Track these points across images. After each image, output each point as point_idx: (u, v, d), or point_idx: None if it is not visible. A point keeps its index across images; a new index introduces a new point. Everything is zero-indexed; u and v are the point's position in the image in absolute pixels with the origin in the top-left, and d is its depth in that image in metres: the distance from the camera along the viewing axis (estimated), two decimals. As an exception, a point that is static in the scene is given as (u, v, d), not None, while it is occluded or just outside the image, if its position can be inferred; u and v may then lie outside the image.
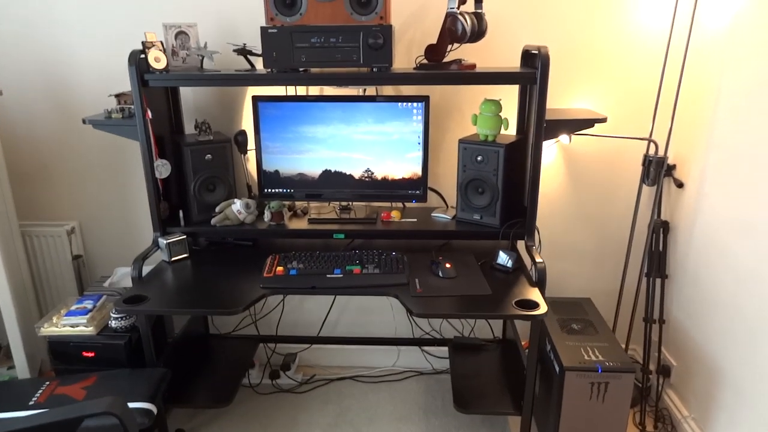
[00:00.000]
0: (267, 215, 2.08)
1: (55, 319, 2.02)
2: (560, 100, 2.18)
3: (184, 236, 2.03)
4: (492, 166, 1.94)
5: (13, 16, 2.17)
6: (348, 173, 2.07)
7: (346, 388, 2.46)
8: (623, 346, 2.35)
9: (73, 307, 2.05)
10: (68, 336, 1.98)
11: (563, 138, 2.19)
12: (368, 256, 1.93)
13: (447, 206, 2.24)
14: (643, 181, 2.15)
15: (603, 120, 1.91)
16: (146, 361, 1.96)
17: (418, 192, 2.07)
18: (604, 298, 2.41)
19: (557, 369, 1.88)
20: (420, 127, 2.00)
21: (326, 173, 2.07)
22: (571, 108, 2.17)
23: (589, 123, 1.92)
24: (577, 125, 1.94)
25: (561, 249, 2.39)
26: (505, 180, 1.95)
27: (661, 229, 2.18)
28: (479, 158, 1.96)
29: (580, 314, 2.16)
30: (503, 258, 1.93)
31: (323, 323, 2.54)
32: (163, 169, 2.00)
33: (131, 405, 1.73)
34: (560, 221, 2.35)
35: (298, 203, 2.23)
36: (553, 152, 2.25)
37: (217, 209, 2.06)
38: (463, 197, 2.05)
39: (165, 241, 1.98)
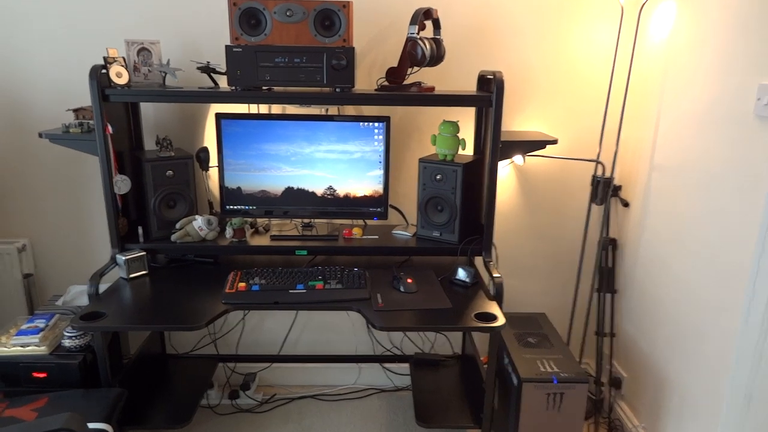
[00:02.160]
0: (229, 232, 2.08)
1: (3, 339, 1.94)
2: (514, 122, 2.29)
3: (144, 253, 2.00)
4: (450, 185, 2.01)
5: (-32, 28, 2.13)
6: (310, 190, 2.10)
7: (308, 406, 2.45)
8: (577, 359, 2.44)
9: (24, 327, 1.98)
10: (18, 356, 1.91)
11: (517, 158, 2.29)
12: (330, 272, 1.95)
13: (407, 223, 2.29)
14: (592, 200, 2.26)
15: (554, 142, 2.02)
16: (102, 381, 1.91)
17: (379, 209, 2.12)
18: (558, 312, 2.50)
19: (515, 381, 1.94)
20: (381, 147, 2.05)
21: (289, 190, 2.10)
22: (525, 130, 2.28)
23: (540, 144, 2.02)
24: (529, 146, 2.04)
25: (516, 266, 2.47)
26: (463, 198, 2.02)
27: (609, 246, 2.30)
28: (438, 177, 2.03)
29: (536, 328, 2.23)
30: (462, 273, 1.99)
31: (284, 341, 2.53)
32: (122, 184, 1.98)
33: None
34: (515, 239, 2.44)
35: (260, 220, 2.24)
36: (507, 172, 2.35)
37: (178, 225, 2.05)
38: (423, 215, 2.10)
39: (123, 258, 1.95)
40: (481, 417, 1.97)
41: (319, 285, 1.86)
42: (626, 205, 2.27)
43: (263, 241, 2.11)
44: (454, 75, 2.22)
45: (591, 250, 2.39)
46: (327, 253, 2.14)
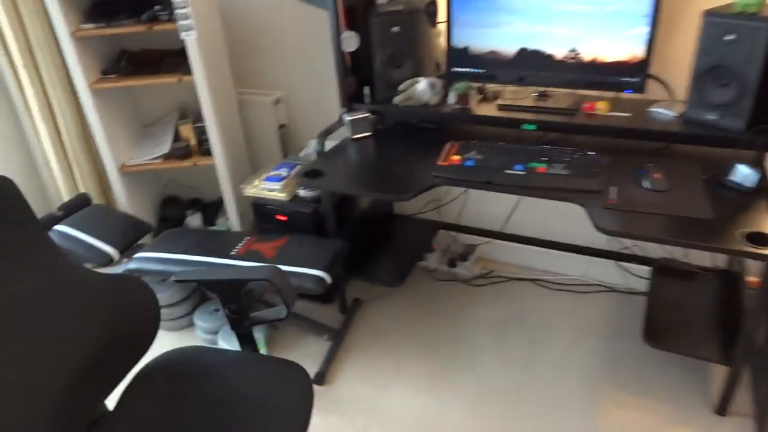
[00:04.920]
0: (452, 97, 1.91)
1: (256, 182, 2.21)
2: None
3: (368, 114, 1.98)
4: (746, 50, 1.44)
5: None
6: (548, 53, 1.74)
7: (524, 289, 2.32)
8: None
9: (271, 173, 2.21)
10: (265, 199, 2.16)
11: None
12: (558, 154, 1.66)
13: (673, 100, 1.78)
14: None
15: None
16: (328, 233, 2.06)
17: (635, 79, 1.67)
18: None
19: (791, 323, 1.46)
20: (651, -6, 1.55)
21: (522, 52, 1.78)
22: None
23: None
24: None
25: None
26: (763, 70, 1.43)
27: None
28: (730, 38, 1.46)
29: None
30: (742, 173, 1.49)
31: (508, 218, 2.37)
32: (350, 41, 1.92)
33: (308, 271, 1.85)
34: None
35: (489, 86, 2.00)
36: None
37: (401, 87, 1.95)
38: (697, 89, 1.59)
39: (349, 118, 1.96)
40: (732, 353, 1.58)
41: (541, 168, 1.60)
42: None
43: (489, 110, 1.88)
44: None
45: None
46: (560, 130, 1.81)
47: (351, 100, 2.03)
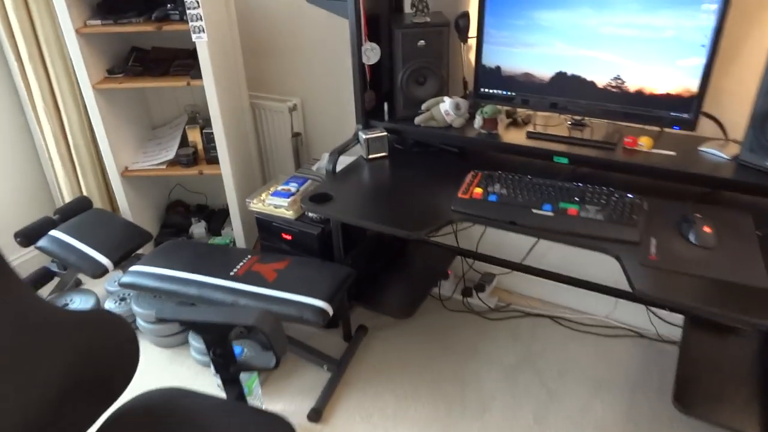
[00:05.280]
0: (478, 121, 1.74)
1: (263, 196, 2.08)
2: None
3: (385, 133, 1.83)
4: (822, 92, 1.25)
5: None
6: (589, 79, 1.57)
7: (543, 327, 2.15)
8: None
9: (280, 188, 2.08)
10: (272, 216, 2.03)
11: None
12: (592, 194, 1.48)
13: (726, 140, 1.59)
14: None
15: None
16: (335, 258, 1.92)
17: (685, 115, 1.49)
18: None
19: None
20: (710, 21, 1.36)
21: (560, 76, 1.61)
22: None
23: None
24: None
25: None
26: (840, 116, 1.25)
27: None
28: (802, 77, 1.28)
29: None
30: (802, 230, 1.31)
31: (530, 250, 2.20)
32: (371, 53, 1.77)
33: (309, 300, 1.72)
34: None
35: (520, 110, 1.83)
36: None
37: (424, 106, 1.80)
38: (756, 131, 1.41)
39: (364, 136, 1.82)
40: (775, 430, 1.40)
41: (572, 210, 1.43)
42: None
43: (517, 137, 1.72)
44: None
45: None
46: (596, 166, 1.64)
47: (369, 116, 1.88)
